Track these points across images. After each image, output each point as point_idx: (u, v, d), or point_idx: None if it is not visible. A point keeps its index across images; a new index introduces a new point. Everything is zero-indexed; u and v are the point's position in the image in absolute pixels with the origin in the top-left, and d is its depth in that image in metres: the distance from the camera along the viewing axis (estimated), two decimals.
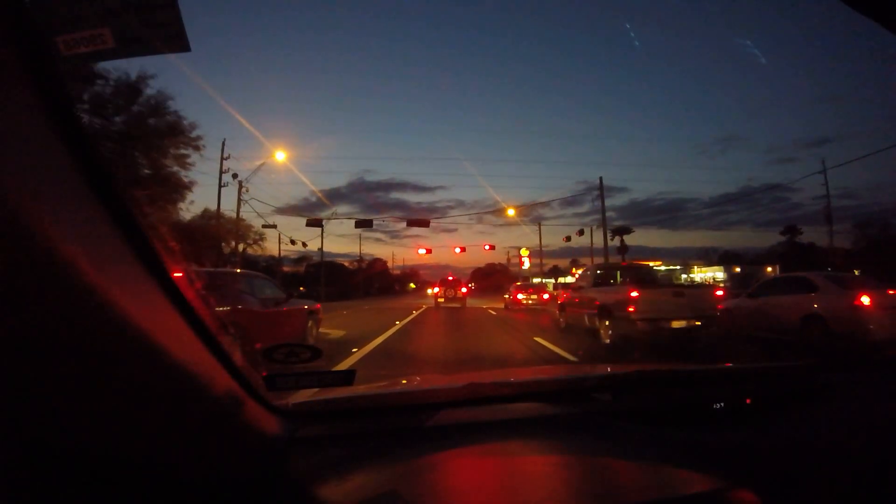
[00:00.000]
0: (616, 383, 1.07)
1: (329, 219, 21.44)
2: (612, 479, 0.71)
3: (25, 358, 0.37)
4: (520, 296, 15.39)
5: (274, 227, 20.98)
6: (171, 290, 0.48)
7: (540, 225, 27.48)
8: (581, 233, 23.21)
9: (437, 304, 16.43)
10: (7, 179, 0.31)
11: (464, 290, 17.07)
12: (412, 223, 20.47)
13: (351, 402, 0.96)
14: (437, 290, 17.22)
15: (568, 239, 25.00)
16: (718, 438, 0.83)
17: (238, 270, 6.93)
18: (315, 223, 20.27)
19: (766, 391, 1.06)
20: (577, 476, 0.73)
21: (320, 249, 28.20)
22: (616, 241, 30.69)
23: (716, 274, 33.75)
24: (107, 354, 0.41)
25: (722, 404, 0.98)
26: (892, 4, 0.59)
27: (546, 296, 15.00)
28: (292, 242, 24.83)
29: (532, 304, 14.67)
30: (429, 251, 26.07)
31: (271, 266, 28.31)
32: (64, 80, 0.37)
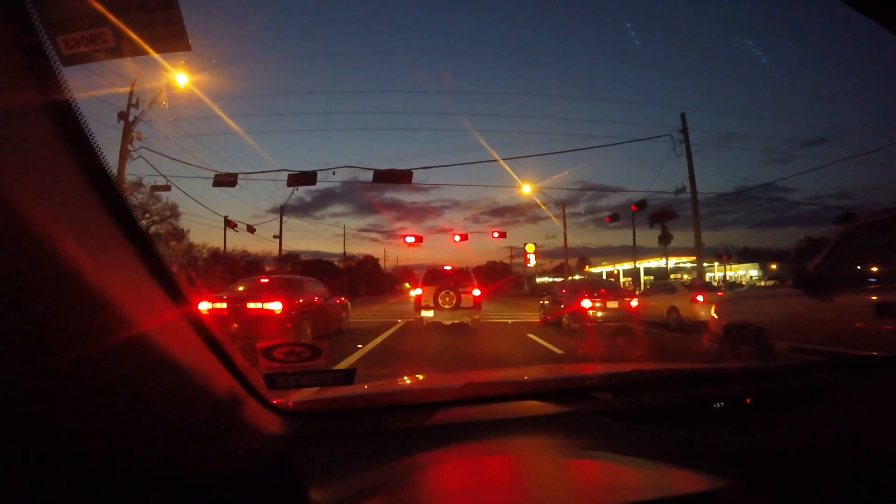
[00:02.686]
0: (616, 383, 1.18)
1: (245, 174, 16.20)
2: (612, 478, 0.80)
3: (26, 357, 0.42)
4: (585, 303, 9.17)
5: (167, 189, 17.14)
6: (172, 290, 0.55)
7: (564, 207, 25.30)
8: (641, 205, 18.90)
9: (422, 318, 9.40)
10: (8, 178, 0.35)
11: (476, 291, 9.40)
12: (380, 177, 15.21)
13: (350, 400, 1.09)
14: (420, 291, 9.54)
15: (614, 218, 21.38)
16: (719, 438, 0.95)
17: (301, 277, 9.70)
18: (225, 181, 15.55)
19: (766, 390, 1.19)
20: (577, 475, 0.83)
21: (277, 237, 27.39)
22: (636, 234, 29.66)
23: (749, 272, 35.63)
24: (107, 353, 0.47)
25: (722, 404, 1.11)
26: (892, 4, 0.70)
27: (634, 303, 9.67)
28: (232, 226, 23.61)
29: (606, 319, 9.19)
30: (419, 239, 24.55)
31: (252, 264, 29.17)
32: (64, 79, 0.42)
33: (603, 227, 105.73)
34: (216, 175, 15.83)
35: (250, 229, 24.71)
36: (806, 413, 1.08)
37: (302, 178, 15.78)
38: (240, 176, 15.67)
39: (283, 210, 27.82)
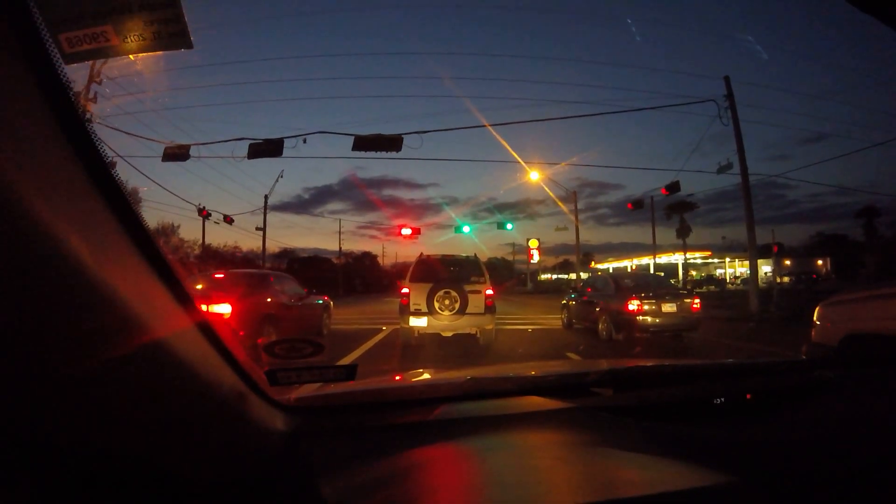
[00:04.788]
0: (617, 378, 1.29)
1: (199, 144, 14.46)
2: (612, 473, 0.87)
3: (30, 355, 0.45)
4: (632, 305, 8.08)
5: (111, 166, 16.74)
6: (174, 287, 0.60)
7: (575, 195, 25.15)
8: (673, 188, 17.28)
9: (411, 329, 7.35)
10: (10, 177, 0.38)
11: (489, 291, 7.48)
12: (362, 144, 13.35)
13: (352, 396, 1.20)
14: (406, 290, 7.39)
15: (637, 205, 21.73)
16: (719, 433, 1.04)
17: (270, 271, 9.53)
18: (176, 154, 14.48)
19: (766, 387, 1.30)
20: (578, 470, 0.90)
21: (260, 228, 27.82)
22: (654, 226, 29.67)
23: (762, 267, 37.11)
24: (110, 351, 0.50)
25: (722, 399, 1.21)
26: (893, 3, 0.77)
27: (696, 303, 8.46)
28: (205, 215, 23.86)
29: (662, 326, 8.12)
30: (416, 231, 24.61)
31: (247, 261, 29.35)
32: (66, 77, 0.45)
33: (602, 224, 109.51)
34: (166, 148, 14.61)
35: (227, 219, 24.90)
36: (806, 409, 1.18)
37: (265, 148, 14.30)
38: (192, 148, 14.50)
39: (266, 200, 27.91)
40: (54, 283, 0.43)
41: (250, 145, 14.28)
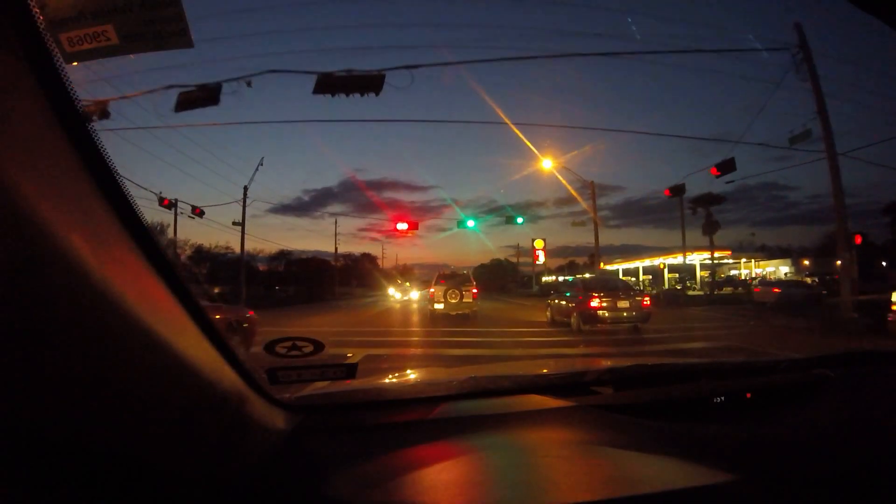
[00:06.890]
0: (617, 377, 1.35)
1: (118, 98, 10.56)
2: (612, 472, 0.90)
3: (31, 354, 0.47)
4: (593, 302, 10.49)
5: None
6: (175, 286, 0.62)
7: (593, 185, 23.97)
8: (726, 168, 14.74)
9: (434, 310, 15.25)
10: (12, 176, 0.40)
11: (474, 290, 15.46)
12: (329, 85, 11.11)
13: (352, 394, 1.26)
14: (433, 290, 15.69)
15: (675, 191, 20.45)
16: (719, 432, 1.07)
17: None
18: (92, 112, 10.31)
19: (766, 386, 1.35)
20: (578, 468, 0.93)
21: (238, 223, 26.68)
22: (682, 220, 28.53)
23: (779, 268, 38.01)
24: (110, 350, 0.52)
25: (722, 398, 1.25)
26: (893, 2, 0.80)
27: (647, 300, 10.98)
28: (165, 205, 22.65)
29: (618, 319, 10.57)
30: (413, 226, 24.69)
31: (238, 263, 28.23)
32: (67, 77, 0.47)
33: (602, 227, 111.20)
34: (91, 106, 10.72)
35: (196, 211, 23.93)
36: (805, 408, 1.23)
37: (198, 96, 11.53)
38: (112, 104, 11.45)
39: (245, 191, 26.73)
40: (55, 283, 0.45)
41: (179, 94, 11.33)
